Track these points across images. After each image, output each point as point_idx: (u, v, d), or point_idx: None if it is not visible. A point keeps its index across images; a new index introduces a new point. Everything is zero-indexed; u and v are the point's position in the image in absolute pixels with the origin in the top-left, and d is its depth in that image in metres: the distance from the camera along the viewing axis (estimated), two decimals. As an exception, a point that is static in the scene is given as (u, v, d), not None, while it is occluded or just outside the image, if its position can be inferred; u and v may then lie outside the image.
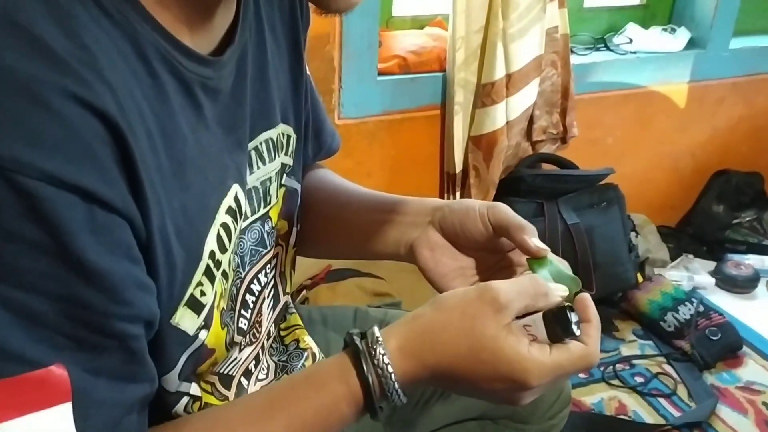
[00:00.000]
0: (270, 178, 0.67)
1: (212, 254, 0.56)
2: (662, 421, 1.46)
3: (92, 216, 0.43)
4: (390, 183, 1.66)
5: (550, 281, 0.61)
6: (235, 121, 0.60)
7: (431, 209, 0.72)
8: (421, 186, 1.70)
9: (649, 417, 1.48)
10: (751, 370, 1.63)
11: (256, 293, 0.68)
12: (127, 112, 0.45)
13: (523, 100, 1.64)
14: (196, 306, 0.55)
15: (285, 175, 0.71)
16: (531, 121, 1.72)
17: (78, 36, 0.43)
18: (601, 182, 1.76)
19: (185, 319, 0.55)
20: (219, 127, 0.58)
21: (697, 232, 2.13)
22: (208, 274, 0.56)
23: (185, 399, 0.61)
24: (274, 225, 0.69)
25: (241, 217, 0.61)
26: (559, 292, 0.58)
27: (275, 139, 0.68)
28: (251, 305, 0.67)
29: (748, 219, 2.14)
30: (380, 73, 1.59)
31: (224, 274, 0.59)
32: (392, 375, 0.54)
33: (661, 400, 1.53)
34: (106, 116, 0.43)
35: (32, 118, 0.40)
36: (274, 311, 0.74)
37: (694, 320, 1.67)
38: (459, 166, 1.65)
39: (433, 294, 1.06)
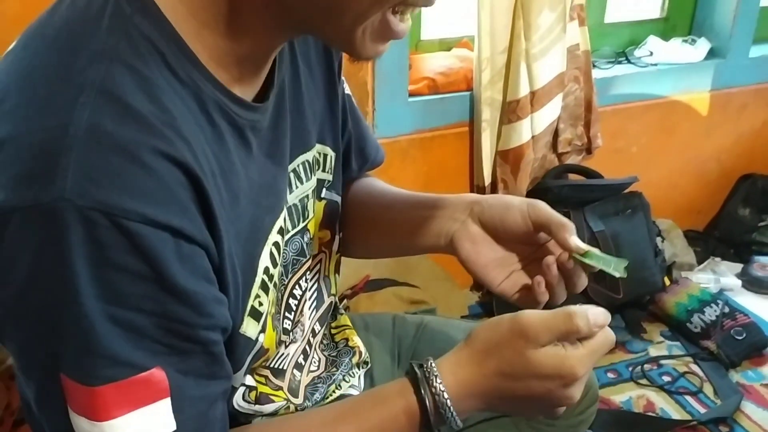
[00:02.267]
0: (307, 195, 0.73)
1: (266, 270, 0.64)
2: (689, 418, 1.51)
3: (179, 248, 0.50)
4: (423, 197, 1.72)
5: (599, 265, 0.68)
6: (278, 151, 0.66)
7: (469, 203, 0.76)
8: (452, 199, 1.76)
9: (676, 414, 1.53)
10: (776, 368, 1.67)
11: (298, 297, 0.74)
12: (200, 160, 0.53)
13: (548, 114, 1.70)
14: (256, 315, 0.63)
15: (324, 189, 0.77)
16: (556, 133, 1.77)
17: (159, 100, 0.51)
18: (626, 190, 1.81)
19: (249, 327, 0.63)
20: (267, 159, 0.64)
21: (724, 236, 2.15)
22: (264, 287, 0.64)
23: (242, 389, 0.69)
24: (312, 236, 0.75)
25: (286, 234, 0.68)
26: (598, 323, 0.61)
27: (311, 161, 0.73)
28: (294, 308, 0.74)
29: (774, 221, 2.15)
30: (411, 94, 1.66)
31: (275, 285, 0.67)
32: (444, 393, 0.61)
33: (688, 398, 1.58)
34: (186, 166, 0.51)
35: (131, 173, 0.48)
36: (317, 311, 0.80)
37: (720, 321, 1.71)
38: (488, 179, 1.71)
39: (464, 300, 1.07)
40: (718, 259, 2.07)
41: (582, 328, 0.61)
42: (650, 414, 1.53)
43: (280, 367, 0.75)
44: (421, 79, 1.68)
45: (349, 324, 0.91)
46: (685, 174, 2.12)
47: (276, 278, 0.67)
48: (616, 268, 0.69)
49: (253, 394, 0.71)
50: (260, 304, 0.64)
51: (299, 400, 0.77)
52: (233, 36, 0.57)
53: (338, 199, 0.80)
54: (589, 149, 1.85)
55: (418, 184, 1.73)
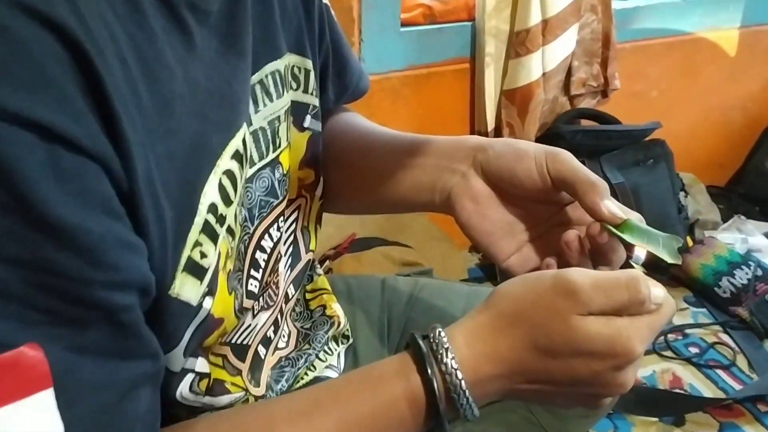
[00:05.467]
0: (279, 117, 0.60)
1: (213, 208, 0.49)
2: (722, 395, 1.35)
3: (55, 159, 0.35)
4: (417, 144, 1.58)
5: (643, 243, 0.54)
6: (236, 49, 0.53)
7: (471, 149, 0.62)
8: (450, 146, 1.62)
9: (707, 390, 1.38)
10: (816, 337, 1.51)
11: (268, 250, 0.61)
12: (94, 31, 0.37)
13: (561, 48, 1.56)
14: (196, 270, 0.48)
15: (309, 116, 0.65)
16: (569, 72, 1.63)
17: None
18: (647, 138, 1.67)
19: (186, 288, 0.47)
20: (219, 57, 0.50)
21: (749, 192, 2.02)
22: (209, 231, 0.48)
23: (190, 377, 0.55)
24: (285, 171, 0.62)
25: (247, 163, 0.54)
26: (659, 298, 0.49)
27: (282, 72, 0.60)
28: (262, 264, 0.61)
29: (805, 176, 2.01)
30: (403, 24, 1.52)
31: (230, 231, 0.52)
32: (458, 372, 0.48)
33: (720, 372, 1.43)
34: (65, 31, 0.35)
35: None
36: (293, 270, 0.68)
37: (752, 285, 1.56)
38: (491, 124, 1.58)
39: (463, 262, 0.92)
40: (743, 217, 1.92)
41: (648, 298, 0.48)
42: (678, 391, 1.37)
43: (245, 342, 0.61)
44: (416, 6, 1.54)
45: (327, 288, 0.79)
46: (707, 123, 1.99)
47: (232, 222, 0.52)
48: (666, 247, 0.55)
49: (204, 382, 0.57)
50: (203, 255, 0.49)
51: (260, 390, 0.64)
52: None
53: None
54: (605, 92, 1.72)
55: (411, 129, 1.55)
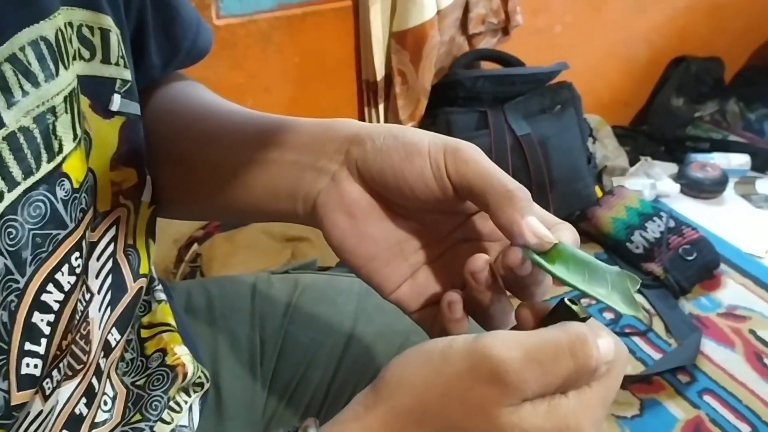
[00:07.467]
0: (53, 109, 0.45)
1: None
2: (641, 367, 1.26)
3: None
4: (294, 100, 1.41)
5: (582, 285, 0.39)
6: None
7: (344, 140, 0.49)
8: (334, 101, 1.46)
9: None
10: (730, 292, 1.45)
11: (56, 306, 0.46)
12: None
13: None
14: None
15: (118, 95, 0.51)
16: (466, 8, 1.49)
17: None
18: (553, 81, 1.53)
19: None
20: None
21: (654, 131, 1.93)
22: None
23: None
24: (79, 185, 0.48)
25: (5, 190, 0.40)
26: (609, 354, 0.38)
27: (54, 39, 0.45)
28: (46, 330, 0.45)
29: (709, 112, 1.94)
30: None
31: None
32: None
33: (636, 340, 1.34)
34: None
35: None
36: (114, 309, 0.54)
37: (665, 238, 1.48)
38: (380, 72, 1.43)
39: None
40: (649, 159, 1.85)
41: (600, 361, 0.38)
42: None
43: None
44: (283, -69, 1.32)
45: (170, 323, 0.63)
46: (612, 59, 1.87)
47: None
48: (617, 289, 0.41)
49: None
50: None
51: None
52: None
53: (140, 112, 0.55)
54: (506, 29, 1.59)
55: (287, 82, 1.41)
